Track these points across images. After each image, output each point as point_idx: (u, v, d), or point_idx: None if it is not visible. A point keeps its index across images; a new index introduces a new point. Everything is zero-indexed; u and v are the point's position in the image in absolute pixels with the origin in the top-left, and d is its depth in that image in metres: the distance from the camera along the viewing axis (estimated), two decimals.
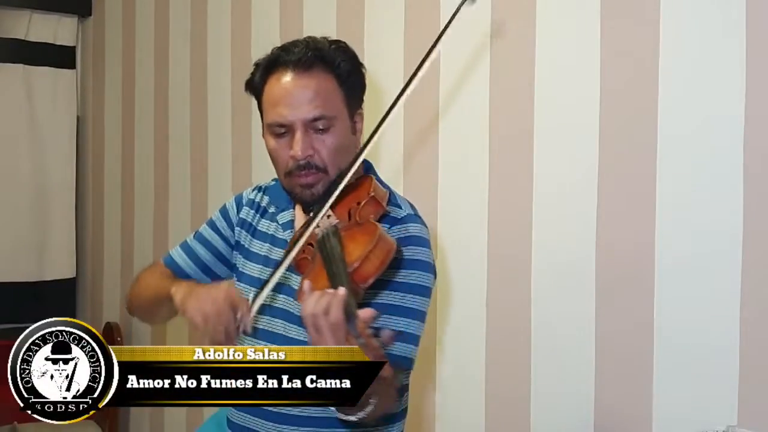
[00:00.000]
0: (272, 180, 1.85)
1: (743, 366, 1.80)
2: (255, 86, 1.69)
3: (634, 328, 1.99)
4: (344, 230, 1.51)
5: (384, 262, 1.45)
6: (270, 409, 1.66)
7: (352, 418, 1.43)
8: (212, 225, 1.87)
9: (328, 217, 1.55)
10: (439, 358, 2.49)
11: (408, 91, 1.60)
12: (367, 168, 1.74)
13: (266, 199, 1.81)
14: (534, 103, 2.22)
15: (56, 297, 4.95)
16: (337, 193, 1.55)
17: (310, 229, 1.53)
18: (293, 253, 1.56)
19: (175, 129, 3.96)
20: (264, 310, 1.69)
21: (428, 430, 2.52)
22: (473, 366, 2.38)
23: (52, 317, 4.78)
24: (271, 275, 1.57)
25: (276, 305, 1.69)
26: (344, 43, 1.70)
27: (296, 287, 1.63)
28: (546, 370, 2.20)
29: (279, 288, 1.66)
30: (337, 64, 1.64)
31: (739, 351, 1.81)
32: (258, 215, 1.80)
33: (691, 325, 1.89)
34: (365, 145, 1.59)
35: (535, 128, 2.22)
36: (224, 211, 1.86)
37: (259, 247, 1.76)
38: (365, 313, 1.33)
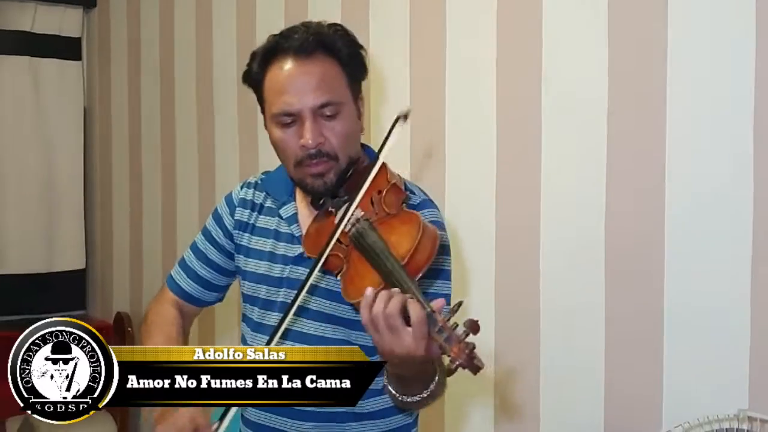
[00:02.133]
0: (262, 174, 1.81)
1: (754, 350, 1.80)
2: (254, 77, 1.63)
3: (644, 313, 1.99)
4: (379, 222, 1.47)
5: (433, 250, 1.40)
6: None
7: (414, 398, 1.44)
8: (208, 236, 1.82)
9: (354, 210, 1.50)
10: None
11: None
12: (370, 155, 1.71)
13: (260, 195, 1.77)
14: (542, 88, 2.21)
15: (66, 288, 4.98)
16: (362, 193, 1.49)
17: (339, 230, 1.48)
18: (309, 282, 1.50)
19: (181, 119, 3.96)
20: (276, 306, 1.68)
21: (438, 413, 2.53)
22: (482, 351, 2.38)
23: (62, 308, 4.82)
24: (280, 322, 1.52)
25: (310, 307, 1.65)
26: (342, 26, 1.65)
27: (325, 286, 1.62)
28: (555, 354, 2.20)
29: (312, 290, 1.62)
30: (338, 49, 1.60)
31: (750, 335, 1.80)
32: (255, 213, 1.76)
33: (701, 309, 1.89)
34: (384, 142, 1.54)
35: (543, 112, 2.21)
36: (218, 218, 1.81)
37: (262, 243, 1.72)
38: (437, 303, 1.31)
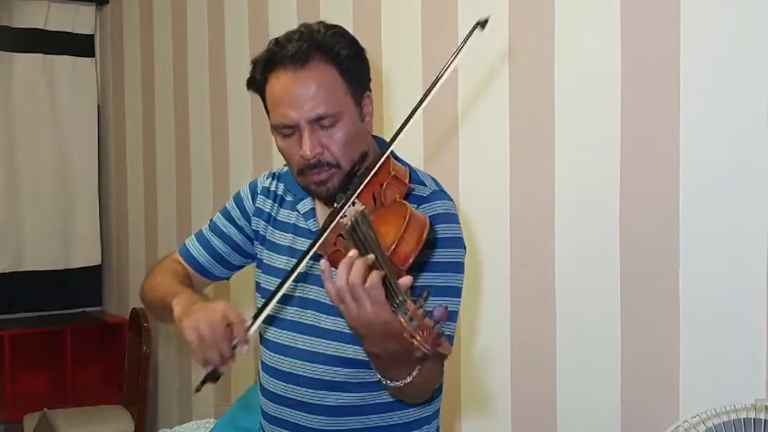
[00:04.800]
0: (285, 166, 1.80)
1: None
2: (257, 84, 1.65)
3: (660, 302, 1.98)
4: (372, 215, 1.47)
5: (420, 240, 1.40)
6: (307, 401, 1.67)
7: (396, 383, 1.45)
8: (226, 214, 1.84)
9: (353, 204, 1.51)
10: (464, 336, 2.49)
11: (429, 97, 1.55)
12: (382, 147, 1.70)
13: (281, 186, 1.78)
14: (555, 82, 2.21)
15: (83, 285, 5.01)
16: (361, 188, 1.50)
17: (334, 223, 1.49)
18: (305, 260, 1.52)
19: (195, 114, 3.97)
20: (294, 301, 1.68)
21: (455, 405, 2.53)
22: (497, 343, 2.38)
23: (79, 305, 4.87)
24: (279, 286, 1.53)
25: (309, 297, 1.67)
26: (341, 27, 1.63)
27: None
28: (572, 343, 2.20)
29: (314, 280, 1.64)
30: (336, 52, 1.57)
31: (767, 325, 1.80)
32: (276, 204, 1.77)
33: (717, 298, 1.88)
34: (391, 141, 1.54)
35: (556, 106, 2.20)
36: (239, 200, 1.83)
37: (281, 237, 1.73)
38: (404, 280, 1.32)
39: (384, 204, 1.50)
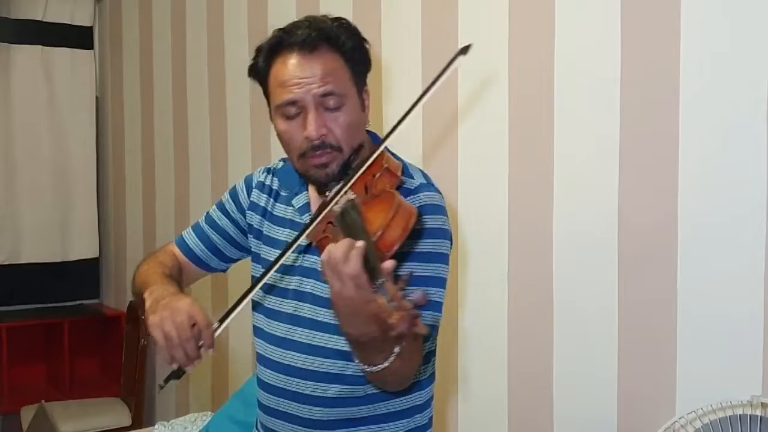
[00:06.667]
0: (280, 161, 1.84)
1: (767, 336, 1.79)
2: (259, 71, 1.65)
3: (656, 300, 1.99)
4: (362, 203, 1.49)
5: (407, 228, 1.43)
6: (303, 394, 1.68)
7: (374, 368, 1.45)
8: (221, 207, 1.85)
9: (345, 193, 1.53)
10: (461, 331, 2.49)
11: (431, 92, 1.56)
12: (375, 141, 1.72)
13: (276, 181, 1.80)
14: (554, 78, 2.20)
15: (81, 277, 5.01)
16: (357, 176, 1.52)
17: (326, 211, 1.51)
18: (293, 247, 1.53)
19: (193, 107, 3.97)
20: (290, 294, 1.69)
21: (452, 396, 2.54)
22: (495, 339, 2.39)
23: (77, 297, 4.86)
24: (263, 275, 1.54)
25: (305, 290, 1.68)
26: (346, 20, 1.66)
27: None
28: (569, 341, 2.21)
29: (309, 273, 1.66)
30: (342, 42, 1.60)
31: (763, 321, 1.80)
32: (271, 199, 1.78)
33: (714, 295, 1.89)
34: (390, 133, 1.55)
35: (555, 101, 2.20)
36: (234, 194, 1.85)
37: (279, 232, 1.74)
38: (387, 264, 1.33)
39: (374, 194, 1.52)
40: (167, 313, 1.47)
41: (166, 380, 1.49)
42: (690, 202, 1.92)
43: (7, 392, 4.49)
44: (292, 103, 1.58)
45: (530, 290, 2.30)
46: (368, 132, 1.71)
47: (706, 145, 1.89)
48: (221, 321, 1.51)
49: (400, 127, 1.54)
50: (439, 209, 1.64)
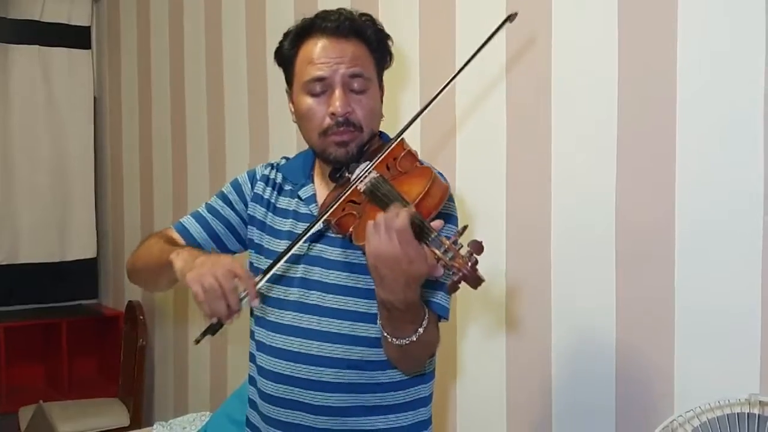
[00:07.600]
0: (282, 158, 1.87)
1: (765, 334, 1.79)
2: (285, 53, 1.71)
3: (654, 297, 1.99)
4: (392, 178, 1.55)
5: (443, 199, 1.49)
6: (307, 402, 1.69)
7: (403, 341, 1.50)
8: (224, 197, 1.88)
9: (367, 173, 1.57)
10: (459, 328, 2.49)
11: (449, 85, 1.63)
12: (385, 140, 1.75)
13: (280, 176, 1.82)
14: (552, 79, 2.20)
15: (79, 277, 5.00)
16: (384, 154, 1.57)
17: (350, 189, 1.54)
18: (317, 226, 1.57)
19: (191, 107, 3.97)
20: (295, 282, 1.71)
21: (451, 393, 2.54)
22: (493, 336, 2.39)
23: (75, 297, 4.86)
24: (290, 247, 1.57)
25: (312, 278, 1.69)
26: (372, 16, 1.73)
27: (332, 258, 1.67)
28: (568, 339, 2.21)
29: (316, 261, 1.68)
30: (369, 36, 1.68)
31: (761, 319, 1.80)
32: (275, 192, 1.81)
33: (711, 293, 1.89)
34: (411, 122, 1.61)
35: (553, 99, 2.20)
36: (237, 185, 1.87)
37: (281, 223, 1.76)
38: (436, 223, 1.39)
39: (401, 171, 1.57)
40: (207, 268, 1.49)
41: (204, 334, 1.50)
42: (687, 199, 1.92)
43: (5, 392, 4.49)
44: (320, 79, 1.63)
45: (528, 287, 2.30)
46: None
47: (704, 143, 1.89)
48: (264, 274, 1.55)
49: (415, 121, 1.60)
50: (451, 197, 1.69)
